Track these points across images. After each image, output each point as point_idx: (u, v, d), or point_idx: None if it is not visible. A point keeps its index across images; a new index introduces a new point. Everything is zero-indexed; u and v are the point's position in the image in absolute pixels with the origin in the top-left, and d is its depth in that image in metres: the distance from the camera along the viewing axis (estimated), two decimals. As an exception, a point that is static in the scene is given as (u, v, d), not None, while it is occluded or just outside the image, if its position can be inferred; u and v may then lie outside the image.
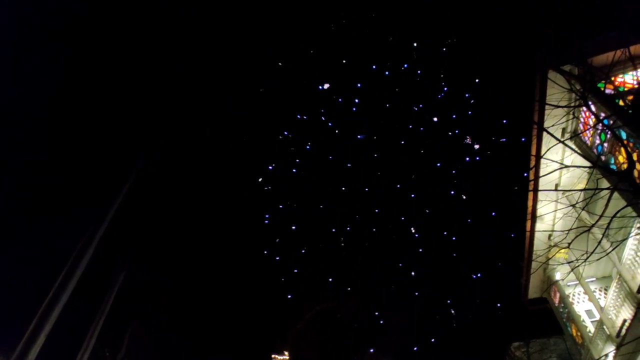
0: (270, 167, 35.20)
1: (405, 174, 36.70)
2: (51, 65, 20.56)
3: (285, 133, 35.70)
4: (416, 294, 34.65)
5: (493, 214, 32.76)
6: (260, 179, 34.47)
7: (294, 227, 35.20)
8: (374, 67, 35.24)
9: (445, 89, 35.12)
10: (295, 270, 34.36)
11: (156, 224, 20.64)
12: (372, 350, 32.82)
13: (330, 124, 36.24)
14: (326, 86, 35.16)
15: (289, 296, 33.52)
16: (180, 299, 26.79)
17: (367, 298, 33.74)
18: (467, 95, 34.39)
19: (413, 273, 35.11)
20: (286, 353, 31.69)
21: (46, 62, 20.63)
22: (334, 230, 36.19)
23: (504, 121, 32.15)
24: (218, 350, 30.59)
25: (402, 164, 36.49)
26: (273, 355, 31.56)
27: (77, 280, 9.43)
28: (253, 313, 32.21)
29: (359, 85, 35.30)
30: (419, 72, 35.30)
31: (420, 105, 35.68)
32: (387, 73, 35.38)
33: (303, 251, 35.27)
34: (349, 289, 33.67)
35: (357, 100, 35.65)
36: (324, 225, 36.14)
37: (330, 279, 34.18)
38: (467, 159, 34.94)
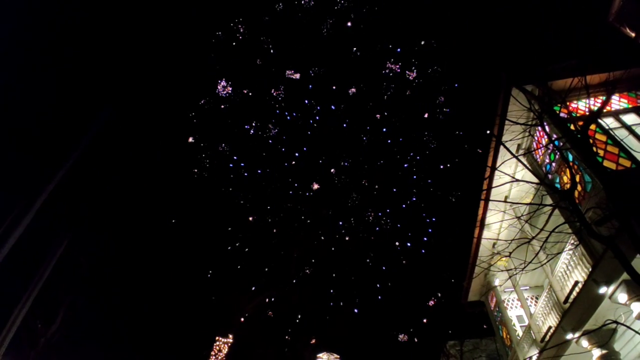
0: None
1: (359, 174, 36.96)
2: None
3: (222, 105, 34.72)
4: (361, 291, 35.39)
5: (447, 219, 34.03)
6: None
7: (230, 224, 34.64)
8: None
9: (408, 92, 35.76)
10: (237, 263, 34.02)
11: (112, 189, 19.52)
12: (313, 340, 33.28)
13: (278, 107, 35.61)
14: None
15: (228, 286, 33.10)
16: (125, 276, 25.68)
17: (311, 293, 34.05)
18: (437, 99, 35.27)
19: (353, 278, 35.65)
20: (230, 336, 31.58)
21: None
22: (271, 220, 35.81)
23: (462, 132, 33.38)
24: (161, 333, 29.79)
25: (358, 162, 36.78)
26: (217, 338, 31.35)
27: (14, 241, 8.78)
28: (198, 297, 31.65)
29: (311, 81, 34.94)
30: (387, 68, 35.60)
31: (386, 97, 36.04)
32: (358, 53, 35.22)
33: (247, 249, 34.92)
34: (293, 281, 33.79)
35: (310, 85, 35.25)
36: (262, 220, 35.78)
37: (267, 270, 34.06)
38: (424, 162, 35.92)
